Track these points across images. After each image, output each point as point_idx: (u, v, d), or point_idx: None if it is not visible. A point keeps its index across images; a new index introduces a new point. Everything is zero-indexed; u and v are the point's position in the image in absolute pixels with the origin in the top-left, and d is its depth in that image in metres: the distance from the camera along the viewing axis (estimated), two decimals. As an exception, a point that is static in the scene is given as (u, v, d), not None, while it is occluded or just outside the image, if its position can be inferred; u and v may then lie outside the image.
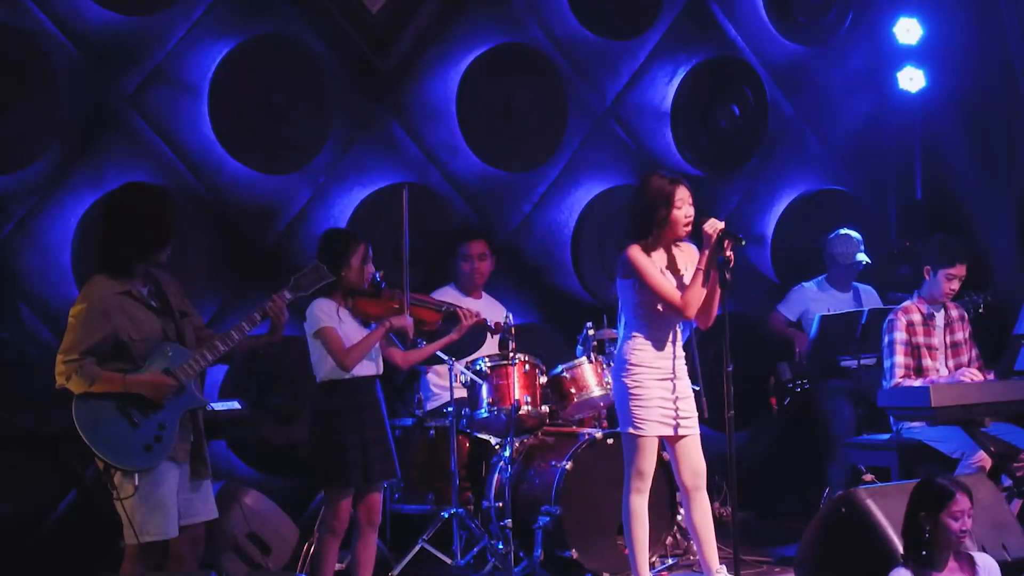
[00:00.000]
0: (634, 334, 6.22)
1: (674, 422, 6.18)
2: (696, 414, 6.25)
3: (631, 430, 6.19)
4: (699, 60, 9.23)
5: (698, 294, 6.13)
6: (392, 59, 8.36)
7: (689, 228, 6.18)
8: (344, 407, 6.32)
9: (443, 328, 6.79)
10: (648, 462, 6.19)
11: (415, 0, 8.38)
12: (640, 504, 6.22)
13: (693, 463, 6.23)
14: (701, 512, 6.26)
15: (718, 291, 6.13)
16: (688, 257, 6.27)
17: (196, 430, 5.46)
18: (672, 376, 6.19)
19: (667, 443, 6.28)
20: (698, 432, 6.22)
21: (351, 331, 6.36)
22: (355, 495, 6.40)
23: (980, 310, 7.99)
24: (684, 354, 6.25)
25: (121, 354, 5.27)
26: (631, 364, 6.19)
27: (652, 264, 6.16)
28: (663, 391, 6.16)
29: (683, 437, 6.22)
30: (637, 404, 6.17)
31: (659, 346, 6.18)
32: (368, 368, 6.38)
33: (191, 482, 5.42)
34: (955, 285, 7.30)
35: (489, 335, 7.30)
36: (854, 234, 8.82)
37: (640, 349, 6.19)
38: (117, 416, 5.22)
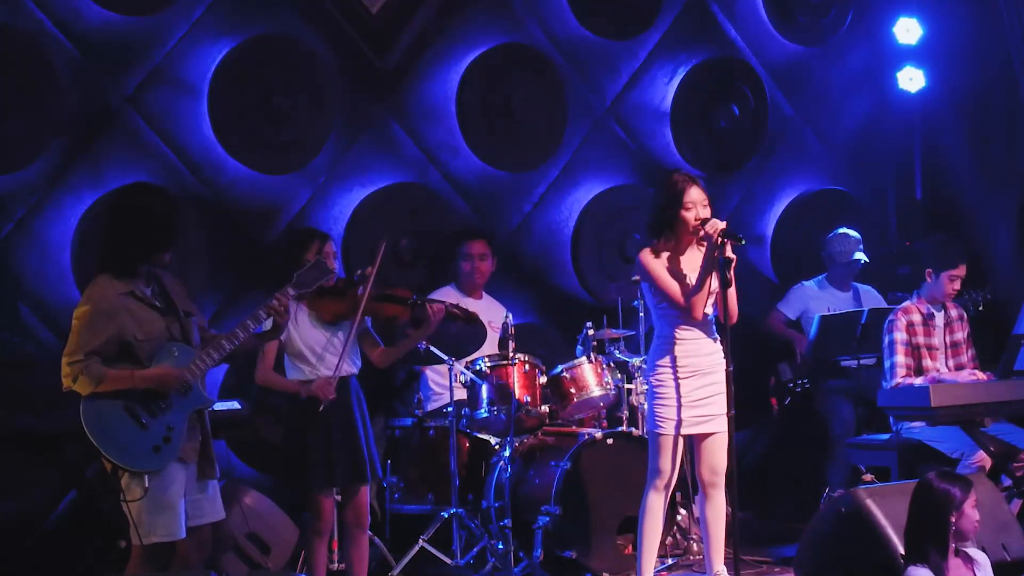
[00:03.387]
0: (658, 334, 6.27)
1: (698, 420, 6.17)
2: (724, 412, 6.14)
3: (653, 428, 6.23)
4: (699, 60, 9.23)
5: (703, 295, 6.13)
6: (392, 59, 8.36)
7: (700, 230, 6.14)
8: (310, 407, 6.31)
9: (416, 321, 6.74)
10: (667, 460, 6.20)
11: (415, 0, 8.39)
12: (657, 501, 6.24)
13: (712, 460, 6.23)
14: (713, 510, 6.28)
15: (732, 290, 6.11)
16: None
17: (203, 430, 5.47)
18: (699, 373, 6.18)
19: (692, 439, 6.28)
20: (725, 430, 6.16)
21: (305, 332, 6.37)
22: (341, 498, 6.42)
23: (980, 308, 8.00)
24: (718, 351, 6.21)
25: (127, 355, 5.26)
26: (655, 363, 6.24)
27: (659, 266, 6.18)
28: (688, 389, 6.15)
29: (708, 435, 6.21)
30: (658, 403, 6.21)
31: (683, 345, 6.18)
32: (341, 368, 6.36)
33: (198, 483, 5.42)
34: (957, 285, 7.34)
35: (491, 331, 7.28)
36: (852, 233, 8.84)
37: (663, 348, 6.22)
38: (125, 418, 5.20)
